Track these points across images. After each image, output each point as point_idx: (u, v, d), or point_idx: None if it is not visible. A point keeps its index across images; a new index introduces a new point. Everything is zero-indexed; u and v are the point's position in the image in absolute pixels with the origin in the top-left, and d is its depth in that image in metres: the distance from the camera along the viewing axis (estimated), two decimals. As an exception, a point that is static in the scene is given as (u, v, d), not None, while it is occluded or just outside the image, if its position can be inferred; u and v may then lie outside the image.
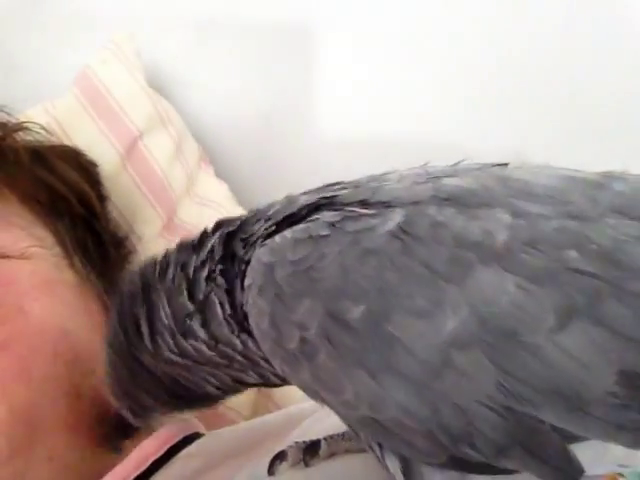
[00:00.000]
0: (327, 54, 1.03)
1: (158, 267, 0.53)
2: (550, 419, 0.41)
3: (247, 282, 0.47)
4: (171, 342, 0.52)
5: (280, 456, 0.60)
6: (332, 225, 0.45)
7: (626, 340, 0.40)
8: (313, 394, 0.46)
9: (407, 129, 1.00)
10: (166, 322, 0.52)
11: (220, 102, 1.12)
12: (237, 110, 1.13)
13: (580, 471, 0.42)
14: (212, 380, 0.55)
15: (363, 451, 0.61)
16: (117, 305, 0.56)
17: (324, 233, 0.45)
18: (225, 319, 0.50)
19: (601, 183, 0.46)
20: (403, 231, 0.43)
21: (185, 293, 0.51)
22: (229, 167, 1.09)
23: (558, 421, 0.41)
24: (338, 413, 0.45)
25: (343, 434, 0.61)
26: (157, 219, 0.95)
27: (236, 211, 0.99)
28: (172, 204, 0.97)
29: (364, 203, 0.46)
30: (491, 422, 0.41)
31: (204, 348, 0.52)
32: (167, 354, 0.53)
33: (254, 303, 0.46)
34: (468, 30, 0.93)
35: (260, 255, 0.46)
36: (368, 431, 0.45)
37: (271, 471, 0.59)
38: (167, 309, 0.52)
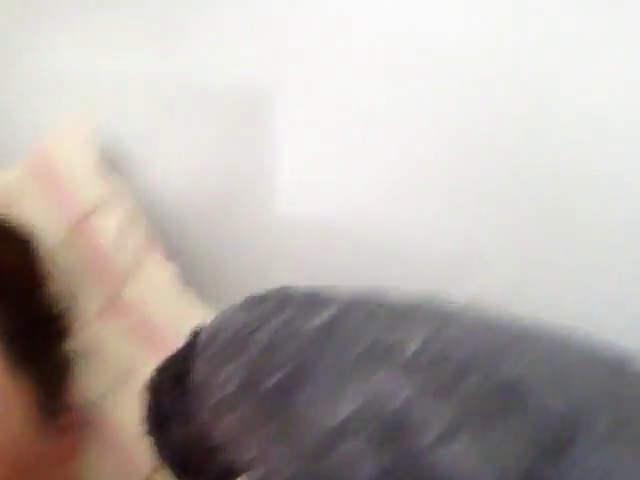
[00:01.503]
0: (290, 133, 1.04)
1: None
2: None
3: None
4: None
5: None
6: (272, 309, 0.53)
7: (508, 463, 0.42)
8: (221, 451, 0.51)
9: (365, 211, 1.00)
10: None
11: (174, 177, 1.12)
12: (193, 189, 1.13)
13: None
14: None
15: None
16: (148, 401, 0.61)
17: (268, 313, 0.53)
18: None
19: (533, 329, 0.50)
20: (332, 324, 0.50)
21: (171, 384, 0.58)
22: (181, 247, 1.08)
23: None
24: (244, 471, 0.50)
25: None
26: (100, 296, 0.94)
27: (184, 294, 0.99)
28: (117, 284, 0.96)
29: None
30: None
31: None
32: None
33: (197, 357, 0.54)
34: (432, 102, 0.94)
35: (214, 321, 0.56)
36: None
37: None
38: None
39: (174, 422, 0.59)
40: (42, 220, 0.91)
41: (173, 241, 1.10)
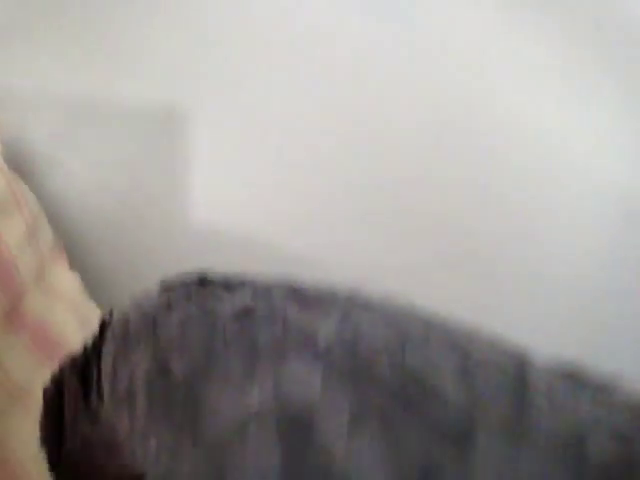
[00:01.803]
0: (197, 139, 1.03)
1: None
2: None
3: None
4: (71, 432, 0.55)
5: None
6: (190, 290, 0.51)
7: (408, 455, 0.42)
8: (126, 448, 0.47)
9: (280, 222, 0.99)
10: (67, 416, 0.55)
11: (83, 188, 1.08)
12: (100, 197, 1.10)
13: None
14: None
15: None
16: (42, 408, 0.58)
17: (180, 297, 0.51)
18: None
19: (442, 324, 0.51)
20: (246, 311, 0.48)
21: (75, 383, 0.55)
22: (86, 256, 1.04)
23: None
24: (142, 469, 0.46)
25: None
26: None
27: (87, 304, 0.95)
28: (18, 292, 0.91)
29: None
30: None
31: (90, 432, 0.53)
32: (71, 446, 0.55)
33: (106, 344, 0.51)
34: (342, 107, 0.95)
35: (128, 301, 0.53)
36: None
37: None
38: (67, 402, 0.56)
39: (75, 423, 0.56)
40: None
41: (77, 251, 1.06)
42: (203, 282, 0.53)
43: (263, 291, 0.51)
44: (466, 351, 0.48)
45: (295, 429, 0.43)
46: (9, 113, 1.04)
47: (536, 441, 0.43)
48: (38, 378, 0.76)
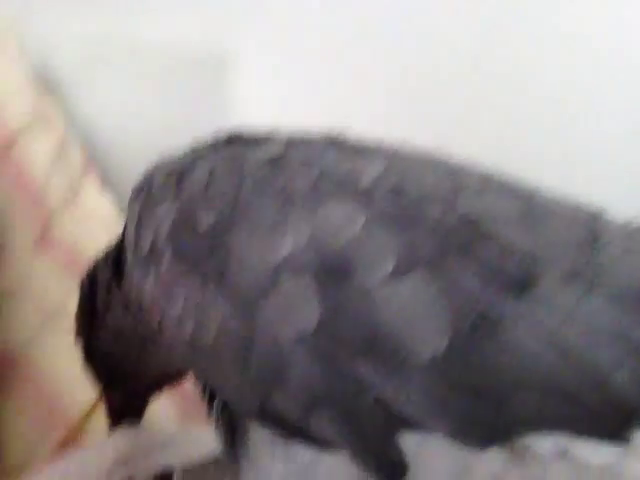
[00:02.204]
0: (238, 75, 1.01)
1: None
2: (366, 375, 0.38)
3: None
4: (103, 324, 0.55)
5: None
6: (217, 147, 0.47)
7: (464, 301, 0.38)
8: (154, 312, 0.45)
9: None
10: (100, 306, 0.55)
11: (115, 110, 1.05)
12: (133, 120, 1.06)
13: (402, 468, 0.39)
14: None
15: None
16: (78, 301, 0.59)
17: (206, 152, 0.46)
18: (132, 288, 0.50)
19: (498, 176, 0.45)
20: (277, 159, 0.44)
21: (108, 271, 0.54)
22: (118, 178, 1.01)
23: (374, 379, 0.38)
24: (171, 339, 0.44)
25: (200, 465, 0.56)
26: (29, 232, 0.86)
27: (121, 226, 0.92)
28: (47, 216, 0.88)
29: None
30: (306, 365, 0.39)
31: (122, 322, 0.53)
32: (104, 338, 0.56)
33: (129, 207, 0.47)
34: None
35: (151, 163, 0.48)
36: (191, 359, 0.43)
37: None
38: (100, 293, 0.55)
39: (107, 309, 0.54)
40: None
41: (111, 174, 1.03)
42: (233, 139, 0.48)
43: (298, 141, 0.46)
44: (530, 200, 0.42)
45: (333, 277, 0.38)
46: (42, 26, 1.01)
47: (609, 290, 0.37)
48: (72, 300, 0.74)
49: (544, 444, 0.38)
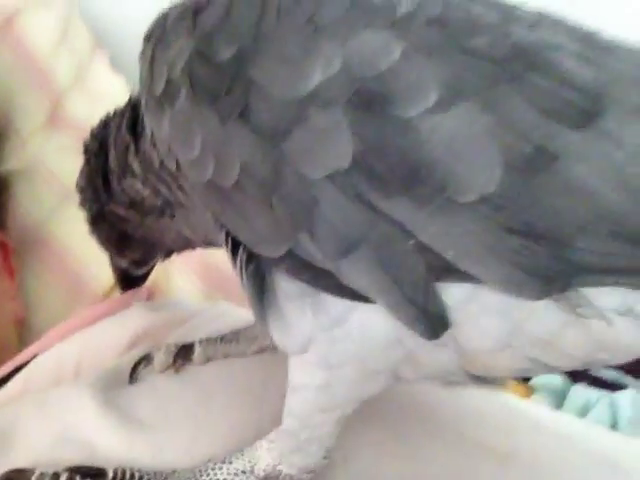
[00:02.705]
0: None
1: (110, 122, 0.55)
2: (405, 216, 0.35)
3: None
4: (118, 188, 0.53)
5: (145, 360, 0.54)
6: None
7: (516, 135, 0.34)
8: (169, 157, 0.42)
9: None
10: (114, 169, 0.53)
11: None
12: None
13: (445, 323, 0.36)
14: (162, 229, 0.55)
15: (243, 355, 0.55)
16: (84, 166, 0.58)
17: None
18: (151, 143, 0.47)
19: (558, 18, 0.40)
20: None
21: (125, 131, 0.52)
22: (128, 57, 0.99)
23: (413, 221, 0.35)
24: (191, 180, 0.42)
25: (222, 337, 0.56)
26: (40, 111, 0.86)
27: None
28: (58, 95, 0.87)
29: None
30: (338, 207, 0.36)
31: (139, 186, 0.51)
32: (118, 203, 0.55)
33: (142, 50, 0.43)
34: None
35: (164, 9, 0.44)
36: (213, 202, 0.41)
37: (133, 377, 0.53)
38: (114, 155, 0.53)
39: (124, 174, 0.52)
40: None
41: (119, 56, 1.01)
42: None
43: None
44: (593, 37, 0.38)
45: (369, 108, 0.35)
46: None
47: None
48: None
49: (608, 300, 0.35)
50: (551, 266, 0.35)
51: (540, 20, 0.39)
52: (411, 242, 0.35)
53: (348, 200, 0.36)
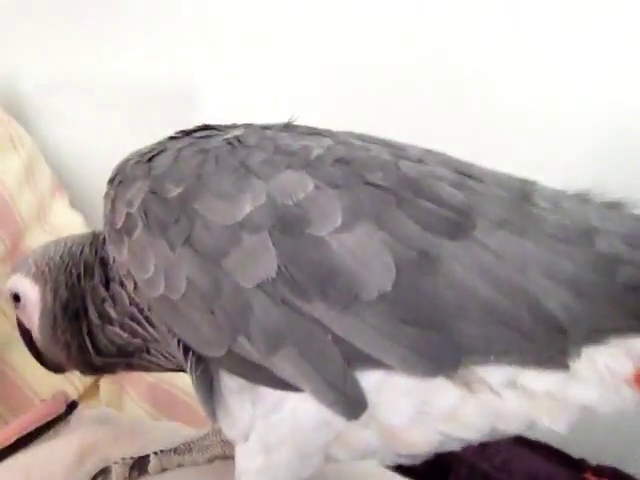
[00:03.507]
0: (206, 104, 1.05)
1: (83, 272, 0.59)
2: (321, 314, 0.43)
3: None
4: (104, 341, 0.58)
5: (103, 473, 0.56)
6: (187, 133, 0.54)
7: (404, 245, 0.44)
8: (128, 278, 0.51)
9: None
10: (97, 321, 0.57)
11: (80, 133, 1.09)
12: (98, 143, 1.10)
13: (362, 404, 0.44)
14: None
15: (196, 464, 0.58)
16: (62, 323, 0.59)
17: (176, 136, 0.54)
18: (118, 282, 0.55)
19: (439, 153, 0.52)
20: (237, 139, 0.51)
21: (100, 285, 0.57)
22: (85, 197, 1.05)
23: (329, 318, 0.43)
24: (144, 295, 0.49)
25: (175, 449, 0.59)
26: (1, 244, 0.90)
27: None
28: (19, 231, 0.93)
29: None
30: (267, 310, 0.44)
31: (119, 331, 0.56)
32: (107, 355, 0.58)
33: (107, 191, 0.53)
34: None
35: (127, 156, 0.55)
36: (165, 314, 0.48)
37: (91, 490, 0.55)
38: (93, 309, 0.58)
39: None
40: None
41: (78, 192, 1.07)
42: (201, 128, 0.55)
43: (256, 127, 0.53)
44: (466, 171, 0.48)
45: (289, 230, 0.45)
46: (9, 58, 1.07)
47: (539, 234, 0.44)
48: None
49: (495, 375, 0.43)
50: (439, 349, 0.43)
51: (424, 156, 0.50)
52: (328, 336, 0.44)
53: (275, 304, 0.44)
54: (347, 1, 0.95)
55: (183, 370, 0.56)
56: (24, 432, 0.65)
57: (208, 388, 0.48)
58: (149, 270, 0.48)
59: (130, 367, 0.60)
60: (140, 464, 0.57)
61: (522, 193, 0.47)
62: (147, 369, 0.60)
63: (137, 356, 0.57)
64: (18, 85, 1.08)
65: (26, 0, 1.10)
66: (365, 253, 0.44)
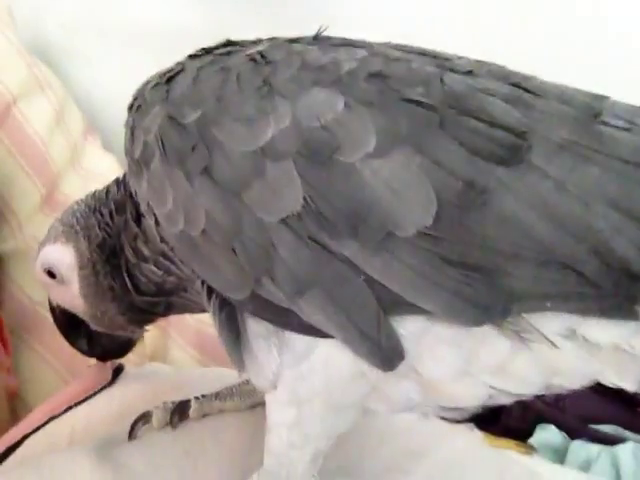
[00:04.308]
0: None
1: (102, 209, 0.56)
2: (352, 253, 0.39)
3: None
4: (142, 279, 0.54)
5: (143, 417, 0.56)
6: (207, 52, 0.49)
7: (447, 173, 0.39)
8: (149, 212, 0.47)
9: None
10: (132, 259, 0.54)
11: (108, 73, 1.07)
12: (127, 83, 1.08)
13: (399, 354, 0.40)
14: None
15: (238, 410, 0.57)
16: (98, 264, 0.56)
17: (196, 54, 0.49)
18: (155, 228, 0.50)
19: (492, 63, 0.45)
20: (260, 55, 0.45)
21: (131, 220, 0.54)
22: (117, 139, 1.04)
23: (360, 257, 0.39)
24: (165, 232, 0.47)
25: (217, 394, 0.58)
26: (36, 193, 0.90)
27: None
28: (53, 177, 0.92)
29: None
30: (293, 249, 0.40)
31: (154, 269, 0.53)
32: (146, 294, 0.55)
33: (126, 120, 0.49)
34: None
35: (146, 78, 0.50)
36: (186, 252, 0.45)
37: (132, 435, 0.55)
38: (128, 247, 0.54)
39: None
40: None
41: (110, 135, 1.06)
42: (225, 44, 0.50)
43: (283, 41, 0.48)
44: (523, 84, 0.42)
45: (316, 157, 0.40)
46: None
47: (607, 159, 0.37)
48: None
49: (551, 324, 0.38)
50: (488, 294, 0.38)
51: (475, 67, 0.43)
52: (361, 278, 0.39)
53: (301, 242, 0.40)
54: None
55: None
56: (73, 402, 0.65)
57: (234, 332, 0.45)
58: (167, 204, 0.44)
59: (171, 308, 0.57)
60: (181, 409, 0.56)
61: (590, 109, 0.40)
62: (189, 310, 0.57)
63: (176, 295, 0.54)
64: (42, 26, 1.06)
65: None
66: (402, 182, 0.39)
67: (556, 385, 0.41)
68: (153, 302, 0.56)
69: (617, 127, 0.39)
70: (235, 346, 0.45)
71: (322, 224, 0.40)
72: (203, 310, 0.57)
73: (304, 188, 0.40)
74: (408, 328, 0.40)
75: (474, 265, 0.38)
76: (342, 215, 0.39)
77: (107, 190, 0.58)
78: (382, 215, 0.39)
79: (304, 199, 0.40)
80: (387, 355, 0.40)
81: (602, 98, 0.42)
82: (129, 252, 0.54)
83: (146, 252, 0.53)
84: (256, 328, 0.44)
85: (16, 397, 0.80)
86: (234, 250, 0.42)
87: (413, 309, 0.39)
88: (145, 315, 0.58)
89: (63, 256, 0.56)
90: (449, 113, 0.40)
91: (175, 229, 0.44)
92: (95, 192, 0.58)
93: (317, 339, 0.42)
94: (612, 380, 0.40)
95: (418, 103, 0.40)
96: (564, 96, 0.41)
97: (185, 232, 0.44)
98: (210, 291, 0.46)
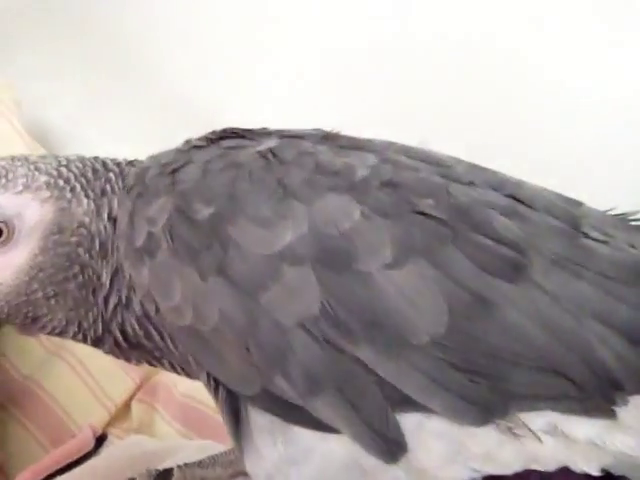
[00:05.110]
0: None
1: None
2: (367, 358, 0.41)
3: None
4: (115, 319, 0.50)
5: (128, 484, 0.57)
6: (212, 141, 0.49)
7: (458, 286, 0.42)
8: (148, 300, 0.46)
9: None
10: (122, 298, 0.49)
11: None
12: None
13: (402, 446, 0.42)
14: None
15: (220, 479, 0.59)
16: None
17: (201, 144, 0.49)
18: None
19: (485, 169, 0.50)
20: (272, 153, 0.46)
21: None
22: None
23: (375, 362, 0.41)
24: (169, 322, 0.45)
25: (199, 462, 0.59)
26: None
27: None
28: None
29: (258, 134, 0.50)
30: (309, 350, 0.42)
31: (136, 325, 0.49)
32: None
33: (122, 202, 0.48)
34: None
35: (144, 161, 0.50)
36: (192, 345, 0.45)
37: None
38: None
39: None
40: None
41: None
42: (227, 133, 0.50)
43: (291, 137, 0.49)
44: (515, 194, 0.46)
45: (334, 264, 0.42)
46: (37, 91, 1.11)
47: (592, 274, 0.43)
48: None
49: (537, 421, 0.43)
50: (489, 397, 0.42)
51: (472, 174, 0.48)
52: (371, 378, 0.42)
53: (317, 344, 0.42)
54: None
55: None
56: (54, 469, 0.67)
57: (237, 422, 0.46)
58: (174, 297, 0.44)
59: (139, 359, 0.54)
60: (164, 476, 0.58)
61: (573, 221, 0.46)
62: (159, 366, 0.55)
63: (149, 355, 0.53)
64: (47, 114, 1.12)
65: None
66: (417, 293, 0.42)
67: (531, 468, 0.45)
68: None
69: (597, 240, 0.45)
70: (238, 435, 0.46)
71: (339, 328, 0.42)
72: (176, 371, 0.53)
73: (322, 293, 0.42)
74: (408, 423, 0.43)
75: (478, 370, 0.42)
76: (359, 321, 0.42)
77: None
78: (398, 323, 0.42)
79: (321, 303, 0.42)
80: (392, 449, 0.43)
81: (577, 205, 0.48)
82: (123, 292, 0.50)
83: (136, 306, 0.49)
84: (260, 421, 0.45)
85: (1, 472, 0.81)
86: (247, 349, 0.43)
87: (416, 407, 0.43)
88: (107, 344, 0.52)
89: (32, 212, 0.47)
90: (460, 228, 0.44)
91: (182, 322, 0.45)
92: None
93: (325, 434, 0.44)
94: (580, 467, 0.44)
95: (429, 216, 0.44)
96: (550, 206, 0.47)
97: (193, 327, 0.44)
98: (216, 381, 0.46)
